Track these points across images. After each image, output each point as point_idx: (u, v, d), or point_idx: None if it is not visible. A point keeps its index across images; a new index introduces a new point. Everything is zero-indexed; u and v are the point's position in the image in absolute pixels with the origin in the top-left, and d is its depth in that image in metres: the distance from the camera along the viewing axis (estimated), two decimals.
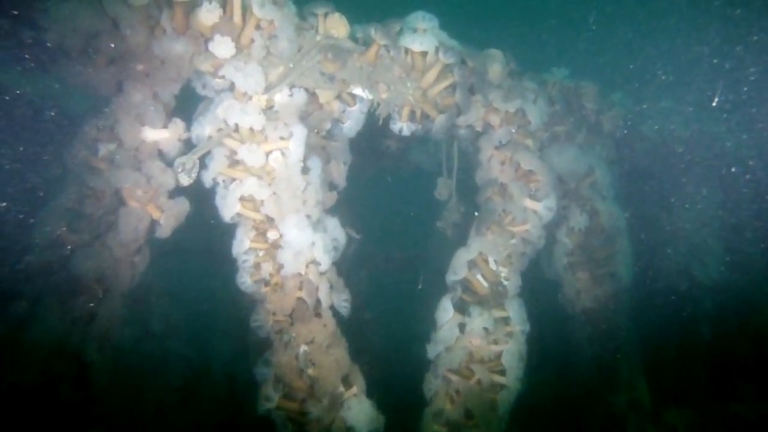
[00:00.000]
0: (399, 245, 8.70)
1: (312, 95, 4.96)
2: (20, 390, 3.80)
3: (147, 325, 6.99)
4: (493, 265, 5.52)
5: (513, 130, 5.69)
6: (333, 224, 4.93)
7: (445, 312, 5.46)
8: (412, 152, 8.18)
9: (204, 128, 4.48)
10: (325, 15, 4.90)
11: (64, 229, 3.91)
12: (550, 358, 6.64)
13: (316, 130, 5.19)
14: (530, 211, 5.61)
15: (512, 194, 5.53)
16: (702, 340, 6.94)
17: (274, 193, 4.46)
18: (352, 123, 5.30)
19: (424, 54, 5.05)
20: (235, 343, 7.53)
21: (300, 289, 4.54)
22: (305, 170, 4.74)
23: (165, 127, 4.39)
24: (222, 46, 4.28)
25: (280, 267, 4.42)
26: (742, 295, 7.01)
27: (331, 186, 5.50)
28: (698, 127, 6.62)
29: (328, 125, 5.16)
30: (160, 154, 4.45)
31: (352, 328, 8.34)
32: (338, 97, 5.07)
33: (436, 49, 4.98)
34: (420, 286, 8.30)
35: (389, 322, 8.33)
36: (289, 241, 4.39)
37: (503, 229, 5.53)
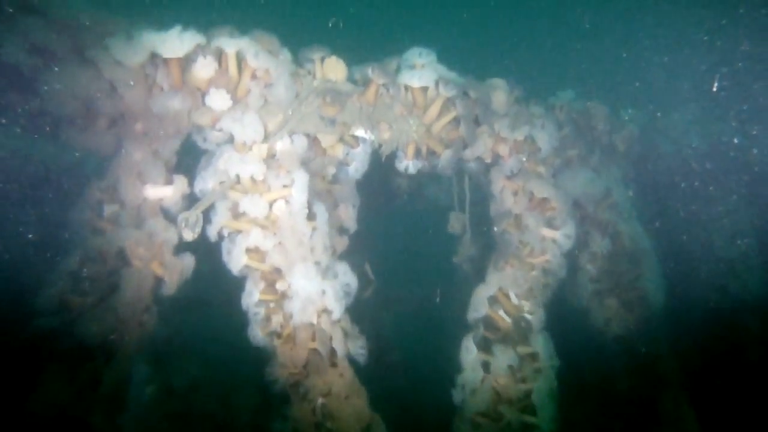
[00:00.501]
0: (422, 283, 8.46)
1: (314, 140, 4.87)
2: None
3: (169, 382, 6.84)
4: (515, 300, 5.24)
5: (524, 159, 5.49)
6: (343, 269, 4.74)
7: (468, 352, 5.18)
8: (427, 188, 8.02)
9: (207, 182, 4.39)
10: (322, 59, 4.85)
11: (69, 293, 3.82)
12: (588, 392, 6.24)
13: (321, 175, 5.08)
14: (548, 241, 5.35)
15: (528, 225, 5.28)
16: (752, 363, 6.43)
17: (280, 243, 4.31)
18: (357, 165, 5.17)
19: (424, 89, 4.95)
20: (260, 395, 7.32)
21: (313, 339, 4.34)
22: (311, 216, 4.60)
23: (167, 183, 4.32)
24: (218, 99, 4.23)
25: (290, 318, 4.23)
26: None
27: (342, 230, 5.35)
28: (717, 136, 6.30)
29: (333, 169, 5.04)
30: (164, 211, 4.37)
31: (377, 371, 8.12)
32: (341, 140, 4.97)
33: (436, 84, 4.88)
34: (438, 299, 7.99)
35: (416, 363, 8.02)
36: (297, 291, 4.21)
37: (522, 261, 5.27)
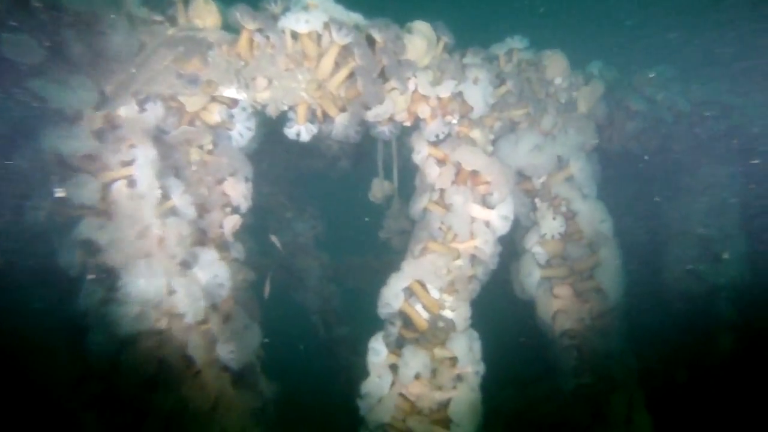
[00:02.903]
0: (373, 253, 7.44)
1: (180, 104, 3.77)
2: None
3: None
4: (435, 294, 4.19)
5: (453, 121, 4.29)
6: (210, 259, 3.74)
7: (377, 355, 4.21)
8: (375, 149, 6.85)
9: (26, 160, 3.38)
10: (185, 1, 3.69)
11: None
12: (530, 390, 5.27)
13: (197, 145, 4.00)
14: (480, 223, 4.23)
15: (453, 203, 4.16)
16: (721, 356, 5.32)
17: (116, 235, 3.32)
18: (241, 129, 4.05)
19: (317, 36, 3.76)
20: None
21: (159, 348, 3.42)
22: (165, 199, 3.58)
23: None
24: (24, 52, 3.15)
25: (124, 325, 3.29)
26: None
27: (235, 209, 4.31)
28: (702, 94, 4.93)
29: (208, 137, 3.95)
30: None
31: (325, 346, 7.28)
32: (214, 101, 3.86)
33: (328, 27, 3.68)
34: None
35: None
36: (131, 294, 3.25)
37: (445, 247, 4.19)
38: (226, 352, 3.71)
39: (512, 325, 5.75)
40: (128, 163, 3.39)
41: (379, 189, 5.13)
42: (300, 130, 3.93)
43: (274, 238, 5.12)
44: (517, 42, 4.57)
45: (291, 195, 6.65)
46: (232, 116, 3.96)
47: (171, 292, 3.40)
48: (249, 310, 4.67)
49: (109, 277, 3.30)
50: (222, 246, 4.22)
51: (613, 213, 4.75)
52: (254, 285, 5.07)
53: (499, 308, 5.48)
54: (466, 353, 4.10)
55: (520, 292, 4.88)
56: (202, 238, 4.05)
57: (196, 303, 3.48)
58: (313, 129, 3.96)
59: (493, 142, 4.52)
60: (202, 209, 4.01)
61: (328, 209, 7.06)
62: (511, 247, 4.98)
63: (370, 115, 3.90)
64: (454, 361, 4.13)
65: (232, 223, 4.22)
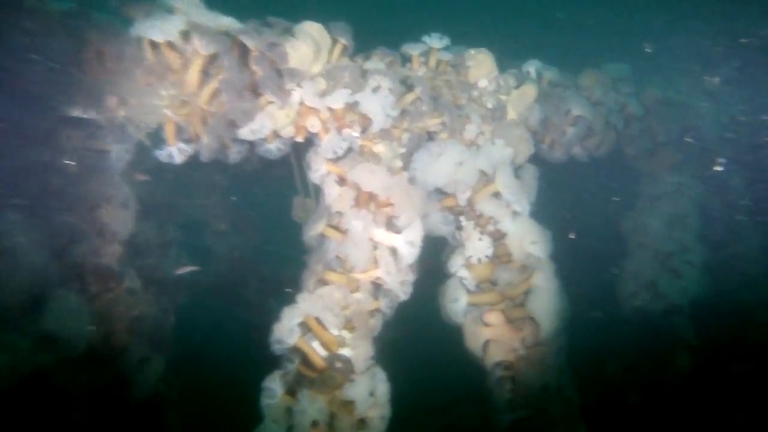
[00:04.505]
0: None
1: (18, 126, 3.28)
2: None
3: None
4: (333, 330, 3.67)
5: (355, 134, 3.73)
6: (62, 307, 3.25)
7: (272, 398, 3.70)
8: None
9: None
10: None
11: None
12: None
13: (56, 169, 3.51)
14: (384, 249, 3.68)
15: (351, 228, 3.61)
16: (678, 376, 4.71)
17: None
18: (119, 152, 3.56)
19: (181, 46, 3.22)
20: None
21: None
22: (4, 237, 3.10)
23: None
24: None
25: None
26: (736, 312, 4.73)
27: (114, 236, 3.82)
28: (655, 92, 4.27)
29: (68, 160, 3.45)
30: None
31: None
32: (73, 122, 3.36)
33: (188, 35, 3.14)
34: None
35: None
36: None
37: (343, 278, 3.65)
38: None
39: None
40: None
41: (301, 208, 4.59)
42: (171, 152, 3.41)
43: (181, 269, 4.67)
44: (435, 41, 3.95)
45: (225, 205, 6.16)
46: (105, 137, 3.47)
47: None
48: (153, 342, 4.25)
49: None
50: (107, 277, 3.79)
51: (560, 226, 4.16)
52: (166, 311, 4.63)
53: None
54: (366, 398, 3.57)
55: (447, 318, 4.32)
56: (76, 271, 3.61)
57: (18, 362, 3.00)
58: (188, 150, 3.43)
59: (407, 156, 3.95)
60: (72, 240, 3.55)
61: (265, 218, 6.55)
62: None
63: (244, 133, 3.36)
64: (350, 406, 3.62)
65: (111, 251, 3.76)
